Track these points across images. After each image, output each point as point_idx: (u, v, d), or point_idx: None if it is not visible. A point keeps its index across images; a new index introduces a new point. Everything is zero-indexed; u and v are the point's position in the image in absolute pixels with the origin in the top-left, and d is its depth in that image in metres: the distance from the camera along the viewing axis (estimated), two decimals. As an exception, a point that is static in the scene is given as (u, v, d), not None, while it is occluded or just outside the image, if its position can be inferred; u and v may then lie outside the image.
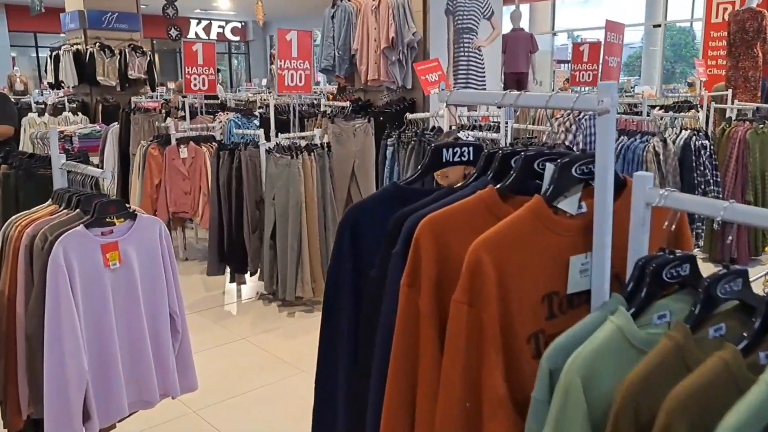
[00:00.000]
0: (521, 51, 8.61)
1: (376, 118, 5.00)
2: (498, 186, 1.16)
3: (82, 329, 1.91)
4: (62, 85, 10.08)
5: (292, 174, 4.03)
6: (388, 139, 3.43)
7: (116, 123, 6.70)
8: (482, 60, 5.91)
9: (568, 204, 1.14)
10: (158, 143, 5.30)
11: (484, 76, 5.95)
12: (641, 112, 5.13)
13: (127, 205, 2.13)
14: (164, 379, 2.16)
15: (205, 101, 6.18)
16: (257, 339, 3.79)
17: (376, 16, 5.31)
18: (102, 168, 6.49)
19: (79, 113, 9.31)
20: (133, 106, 6.81)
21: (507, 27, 8.41)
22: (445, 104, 4.36)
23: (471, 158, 1.37)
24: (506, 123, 3.76)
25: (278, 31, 4.37)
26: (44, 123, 8.78)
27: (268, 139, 4.40)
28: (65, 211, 2.02)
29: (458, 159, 1.36)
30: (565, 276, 1.12)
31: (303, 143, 4.28)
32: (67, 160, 2.27)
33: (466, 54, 5.76)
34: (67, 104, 9.34)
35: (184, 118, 5.73)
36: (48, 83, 10.66)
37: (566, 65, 16.66)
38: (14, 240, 1.94)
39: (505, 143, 3.40)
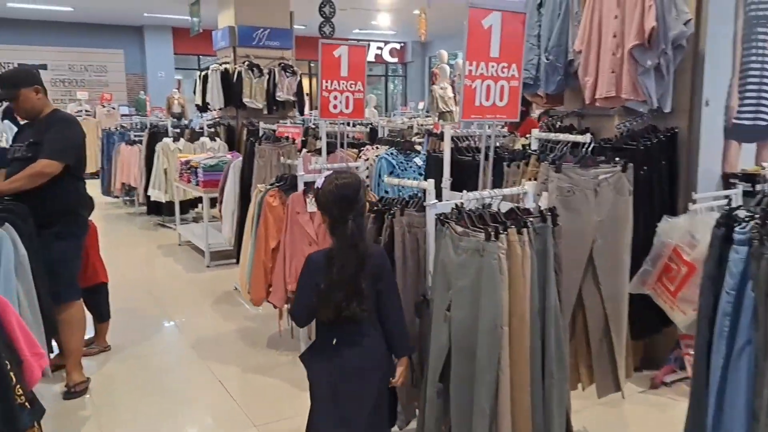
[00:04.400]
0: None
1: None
2: None
3: None
4: (209, 107, 9.17)
5: (486, 269, 2.14)
6: (736, 228, 1.41)
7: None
8: (783, 67, 3.64)
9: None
10: (280, 188, 3.71)
11: (785, 93, 3.67)
12: None
13: None
14: None
15: (351, 128, 4.52)
16: None
17: (617, -1, 3.31)
18: (221, 211, 5.07)
19: (218, 138, 8.26)
20: (261, 133, 5.35)
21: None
22: None
23: None
24: None
25: (470, 13, 2.53)
26: (179, 149, 7.80)
27: (440, 196, 2.58)
28: None
29: None
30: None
31: (503, 207, 2.40)
32: None
33: (760, 56, 3.53)
34: (205, 128, 8.33)
35: (319, 151, 4.10)
36: (196, 105, 9.83)
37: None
38: None
39: None
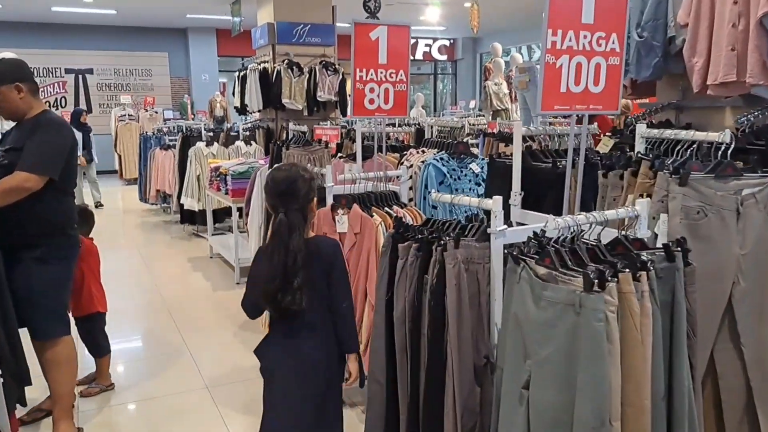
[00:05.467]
0: None
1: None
2: None
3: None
4: (247, 109, 8.66)
5: (586, 333, 1.42)
6: None
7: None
8: None
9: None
10: (305, 201, 3.05)
11: None
12: None
13: None
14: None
15: (394, 129, 3.86)
16: None
17: (739, -48, 2.52)
18: (246, 224, 4.41)
19: (254, 142, 7.72)
20: (290, 135, 4.73)
21: None
22: None
23: None
24: None
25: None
26: (212, 154, 7.30)
27: (508, 219, 1.87)
28: None
29: None
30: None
31: (603, 236, 1.66)
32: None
33: None
34: (241, 131, 7.82)
35: (354, 156, 3.43)
36: (234, 108, 9.36)
37: None
38: None
39: None
